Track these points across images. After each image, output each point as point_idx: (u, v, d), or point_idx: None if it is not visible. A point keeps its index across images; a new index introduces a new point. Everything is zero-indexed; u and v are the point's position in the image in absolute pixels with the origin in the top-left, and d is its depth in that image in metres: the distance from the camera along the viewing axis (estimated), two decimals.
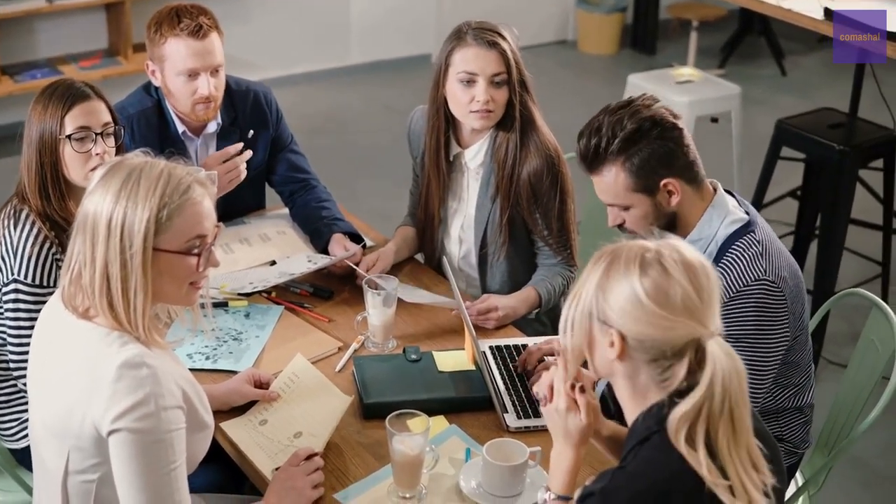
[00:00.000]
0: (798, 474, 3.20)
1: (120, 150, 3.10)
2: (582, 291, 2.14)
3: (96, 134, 3.03)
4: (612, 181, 2.75)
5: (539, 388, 2.35)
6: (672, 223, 2.79)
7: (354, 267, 3.40)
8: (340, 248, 3.54)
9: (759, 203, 5.28)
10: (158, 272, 2.32)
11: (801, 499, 3.17)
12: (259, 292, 3.37)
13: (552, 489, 2.33)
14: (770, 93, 7.84)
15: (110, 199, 2.29)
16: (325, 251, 3.60)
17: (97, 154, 3.02)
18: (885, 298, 5.08)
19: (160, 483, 2.30)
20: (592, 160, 2.76)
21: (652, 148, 2.72)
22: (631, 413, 2.19)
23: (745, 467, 2.05)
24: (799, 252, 5.29)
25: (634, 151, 2.72)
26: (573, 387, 2.30)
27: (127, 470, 2.29)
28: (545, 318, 3.59)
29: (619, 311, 2.09)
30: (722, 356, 2.04)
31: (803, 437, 3.02)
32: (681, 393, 2.06)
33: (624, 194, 2.76)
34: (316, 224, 3.69)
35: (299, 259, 3.55)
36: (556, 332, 3.55)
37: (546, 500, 2.32)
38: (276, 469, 2.64)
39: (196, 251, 2.36)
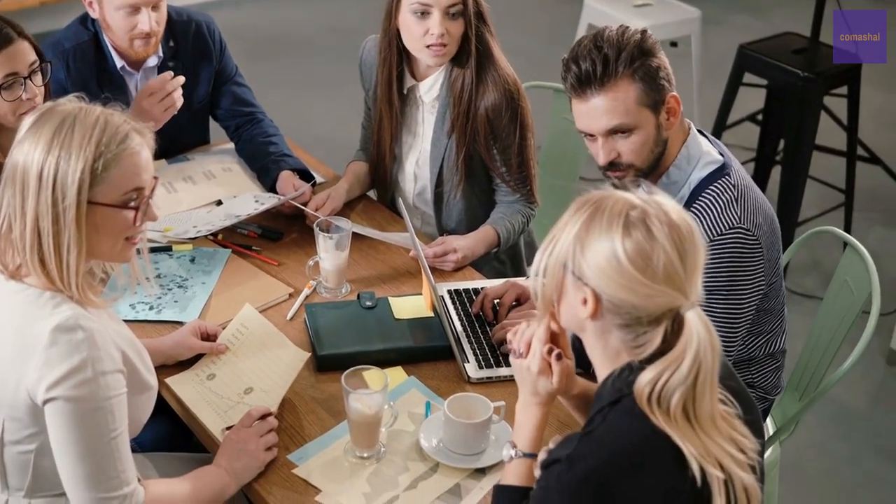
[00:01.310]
0: (769, 420, 3.11)
1: (48, 87, 2.95)
2: (559, 238, 2.00)
3: (24, 78, 2.86)
4: (622, 96, 2.57)
5: (516, 342, 2.21)
6: (661, 157, 2.65)
7: (304, 208, 3.25)
8: (289, 186, 3.37)
9: (719, 130, 5.17)
10: (94, 227, 2.18)
11: (772, 446, 3.07)
12: (204, 236, 3.21)
13: (518, 446, 2.20)
14: (725, 12, 7.69)
15: (41, 148, 2.13)
16: (272, 189, 3.44)
17: (28, 99, 2.86)
18: (848, 227, 5.02)
19: (101, 452, 2.17)
20: (602, 77, 2.56)
21: (658, 60, 2.59)
22: (600, 371, 2.07)
23: (721, 446, 1.94)
24: (760, 178, 5.20)
25: (643, 62, 2.56)
26: (550, 351, 2.16)
27: (65, 440, 2.15)
28: (504, 257, 3.47)
29: (596, 269, 1.95)
30: (701, 329, 1.91)
31: (775, 384, 2.92)
32: (652, 358, 1.95)
33: (635, 110, 2.57)
34: (263, 161, 3.52)
35: (246, 199, 3.38)
36: (515, 272, 3.49)
37: (512, 457, 2.20)
38: (228, 429, 2.51)
39: (133, 204, 2.21)
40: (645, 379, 1.93)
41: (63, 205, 2.12)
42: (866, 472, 4.05)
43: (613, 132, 2.60)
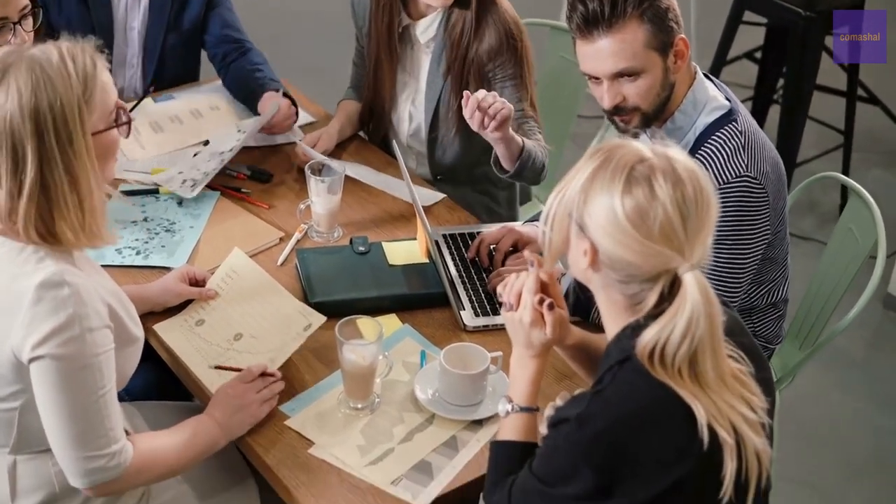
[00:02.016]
0: None
1: (39, 32, 2.84)
2: (568, 187, 1.94)
3: (14, 23, 2.75)
4: (630, 38, 2.47)
5: (505, 295, 2.14)
6: (668, 101, 2.56)
7: (300, 144, 3.16)
8: (263, 119, 3.28)
9: (718, 68, 5.09)
10: (102, 157, 2.14)
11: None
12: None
13: (514, 400, 2.14)
14: None
15: (25, 95, 2.04)
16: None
17: (17, 45, 2.74)
18: (846, 170, 4.96)
19: (90, 411, 2.10)
20: (610, 17, 2.46)
21: (667, 0, 2.50)
22: (609, 327, 2.01)
23: (735, 407, 1.87)
24: (758, 118, 5.13)
25: (652, 3, 2.47)
26: (541, 301, 2.09)
27: (52, 399, 2.09)
28: (500, 196, 3.40)
29: (595, 222, 1.89)
30: (697, 295, 1.84)
31: (776, 333, 2.87)
32: (655, 316, 1.89)
33: (642, 53, 2.48)
34: (250, 87, 3.44)
35: (228, 132, 3.30)
36: (508, 213, 3.41)
37: (508, 412, 2.14)
38: (217, 367, 2.48)
39: (120, 120, 2.19)
40: (645, 339, 1.87)
41: (74, 149, 2.06)
42: (863, 420, 4.02)
43: (620, 75, 2.51)
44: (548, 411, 2.09)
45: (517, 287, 2.13)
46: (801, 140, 4.83)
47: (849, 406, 4.06)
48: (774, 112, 5.04)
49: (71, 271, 2.09)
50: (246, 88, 3.47)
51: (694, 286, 1.84)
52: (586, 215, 1.91)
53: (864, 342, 4.38)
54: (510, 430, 2.13)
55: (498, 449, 2.13)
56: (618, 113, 2.56)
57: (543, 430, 2.02)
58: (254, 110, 3.40)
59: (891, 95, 5.50)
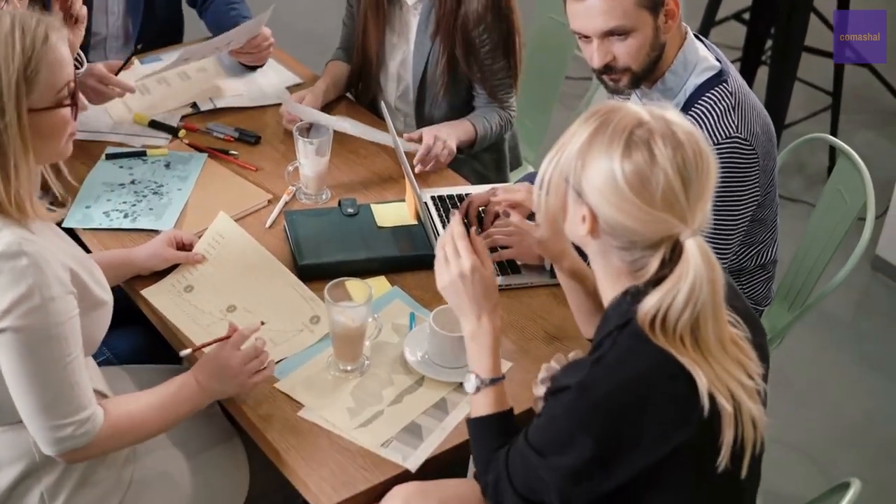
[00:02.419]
0: None
1: None
2: (564, 150, 1.90)
3: None
4: None
5: (441, 274, 2.16)
6: (658, 61, 2.55)
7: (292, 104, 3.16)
8: (245, 29, 3.29)
9: (706, 29, 5.07)
10: (38, 135, 2.08)
11: None
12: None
13: (480, 374, 2.13)
14: None
15: None
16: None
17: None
18: (834, 131, 4.95)
19: (54, 380, 2.08)
20: None
21: None
22: (605, 292, 1.98)
23: (733, 374, 1.86)
24: (746, 79, 5.06)
25: None
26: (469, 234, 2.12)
27: (17, 371, 2.07)
28: (487, 159, 3.39)
29: (594, 187, 1.85)
30: (699, 261, 1.81)
31: (765, 294, 2.87)
32: (655, 282, 1.86)
33: (633, 11, 2.47)
34: (226, 25, 3.43)
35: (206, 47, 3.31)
36: (497, 176, 3.40)
37: (479, 388, 2.13)
38: (198, 348, 2.44)
39: (67, 102, 2.12)
40: (647, 305, 1.84)
41: (3, 122, 2.02)
42: (850, 380, 4.03)
43: (610, 34, 2.50)
44: (542, 374, 2.09)
45: (441, 252, 2.14)
46: (789, 101, 4.83)
47: (838, 368, 4.07)
48: (763, 73, 5.02)
49: (28, 239, 2.06)
50: (221, 27, 3.45)
51: (696, 252, 1.82)
52: (584, 180, 1.87)
53: (853, 304, 4.39)
54: (483, 405, 2.13)
55: (477, 426, 2.13)
56: (607, 72, 2.55)
57: (539, 392, 2.01)
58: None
59: None
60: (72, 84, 2.12)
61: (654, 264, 1.86)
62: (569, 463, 1.88)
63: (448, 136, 3.07)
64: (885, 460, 3.70)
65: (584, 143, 1.87)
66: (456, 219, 2.13)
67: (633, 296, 1.88)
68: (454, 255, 2.14)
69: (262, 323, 2.39)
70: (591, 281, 2.24)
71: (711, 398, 1.82)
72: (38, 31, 2.05)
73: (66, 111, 2.12)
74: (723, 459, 1.85)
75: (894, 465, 3.69)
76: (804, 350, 4.08)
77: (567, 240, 2.17)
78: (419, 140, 3.04)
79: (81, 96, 2.19)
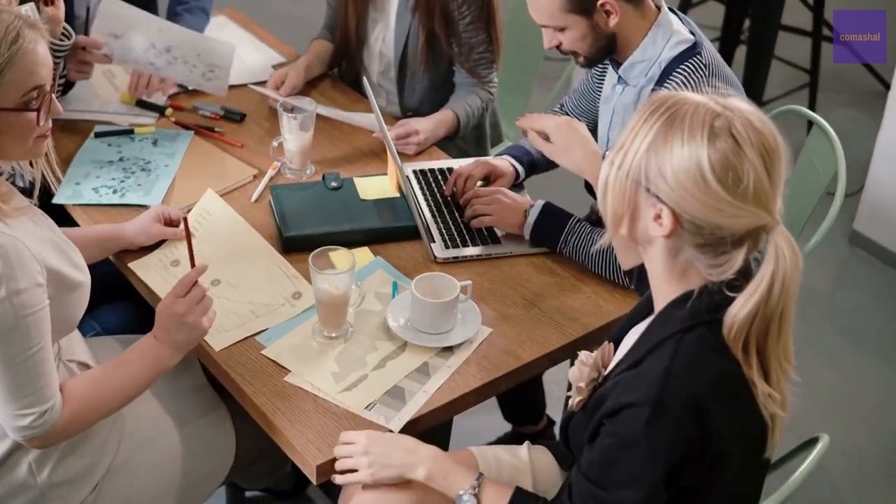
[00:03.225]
0: None
1: None
2: (630, 148, 1.79)
3: None
4: (545, 4, 2.55)
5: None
6: (612, 45, 2.62)
7: (265, 91, 3.21)
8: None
9: (684, 9, 5.13)
10: (4, 133, 2.08)
11: None
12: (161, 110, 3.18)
13: (464, 489, 2.08)
14: None
15: None
16: None
17: None
18: (812, 108, 4.99)
19: (17, 370, 2.10)
20: None
21: None
22: (665, 289, 1.89)
23: (781, 363, 1.84)
24: (725, 58, 5.11)
25: None
26: None
27: None
28: (469, 137, 3.44)
29: (675, 184, 1.75)
30: (787, 251, 1.74)
31: None
32: (731, 282, 1.79)
33: (559, 15, 2.56)
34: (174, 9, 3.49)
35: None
36: (477, 153, 3.45)
37: (477, 495, 2.07)
38: None
39: (34, 105, 2.10)
40: (741, 315, 1.76)
41: None
42: (829, 352, 4.09)
43: (545, 27, 2.61)
44: (580, 373, 2.01)
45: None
46: (766, 79, 4.89)
47: (816, 340, 4.13)
48: (742, 54, 5.07)
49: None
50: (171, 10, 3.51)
51: (783, 243, 1.75)
52: (661, 179, 1.76)
53: (830, 278, 4.46)
54: (495, 499, 2.06)
55: None
56: (561, 52, 2.65)
57: (577, 397, 1.97)
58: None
59: None
60: (45, 87, 2.11)
61: (738, 261, 1.77)
62: (649, 491, 1.81)
63: (423, 129, 3.13)
64: (862, 429, 3.76)
65: (657, 139, 1.77)
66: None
67: (710, 295, 1.81)
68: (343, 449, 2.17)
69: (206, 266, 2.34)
70: None
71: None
72: (10, 29, 2.03)
73: (31, 116, 2.10)
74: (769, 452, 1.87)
75: (871, 433, 3.75)
76: None
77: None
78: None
79: (56, 102, 2.16)
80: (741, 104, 1.79)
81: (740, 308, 1.77)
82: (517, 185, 2.98)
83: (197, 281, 2.27)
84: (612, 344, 2.07)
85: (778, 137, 1.78)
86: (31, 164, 2.26)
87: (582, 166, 2.53)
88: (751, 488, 1.99)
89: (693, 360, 1.79)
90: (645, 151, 1.77)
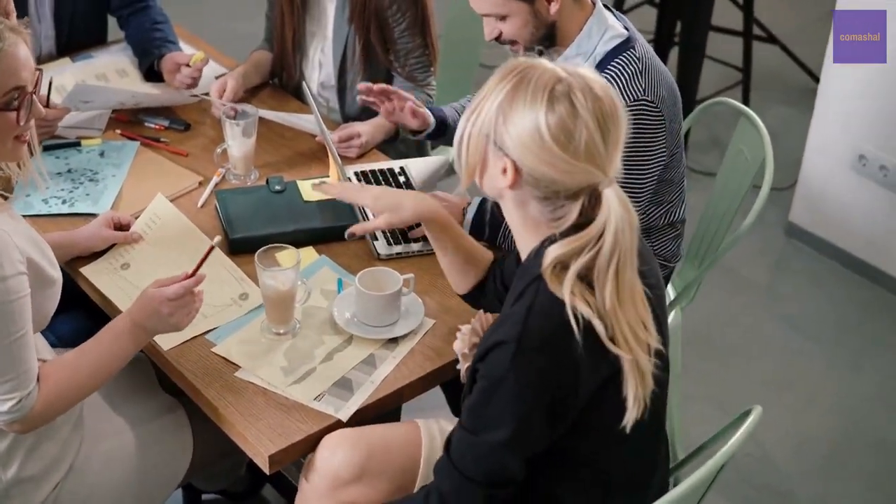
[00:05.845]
0: (669, 287, 3.21)
1: None
2: (482, 108, 1.98)
3: None
4: None
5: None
6: (552, 35, 2.70)
7: (211, 98, 3.27)
8: (172, 65, 3.36)
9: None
10: None
11: (673, 312, 3.18)
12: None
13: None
14: None
15: None
16: (150, 71, 3.47)
17: None
18: (746, 104, 5.08)
19: (2, 355, 2.17)
20: None
21: None
22: (523, 243, 2.09)
23: (635, 331, 1.96)
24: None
25: None
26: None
27: None
28: (409, 141, 3.50)
29: (517, 141, 1.94)
30: (617, 206, 1.92)
31: (675, 252, 3.01)
32: (569, 231, 1.96)
33: (502, 2, 2.64)
34: (146, 46, 3.50)
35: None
36: (419, 154, 3.51)
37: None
38: None
39: (15, 105, 2.17)
40: (551, 255, 1.94)
41: None
42: (770, 339, 4.18)
43: (487, 15, 2.68)
44: (466, 339, 2.19)
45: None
46: (699, 78, 4.97)
47: (756, 328, 4.22)
48: (675, 55, 5.14)
49: None
50: (141, 46, 3.52)
51: (614, 199, 1.92)
52: (506, 135, 1.95)
53: (769, 269, 4.55)
54: None
55: None
56: (501, 43, 2.72)
57: (463, 350, 2.13)
58: (144, 63, 3.47)
59: (788, 33, 5.68)
60: (27, 88, 2.17)
61: (573, 213, 1.95)
62: (516, 426, 1.95)
63: (365, 132, 3.20)
64: (803, 413, 3.85)
65: (505, 99, 1.95)
66: None
67: (550, 244, 1.97)
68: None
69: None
70: (455, 232, 2.41)
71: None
72: None
73: (11, 116, 2.16)
74: (629, 404, 1.96)
75: (813, 417, 3.84)
76: (723, 313, 4.25)
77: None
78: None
79: (37, 103, 2.22)
80: (587, 72, 1.97)
81: (556, 248, 1.94)
82: (425, 135, 3.07)
83: (193, 290, 2.35)
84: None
85: (617, 104, 1.96)
86: (18, 167, 2.32)
87: (420, 210, 2.43)
88: (640, 444, 2.10)
89: (552, 300, 1.93)
90: (495, 110, 1.96)
